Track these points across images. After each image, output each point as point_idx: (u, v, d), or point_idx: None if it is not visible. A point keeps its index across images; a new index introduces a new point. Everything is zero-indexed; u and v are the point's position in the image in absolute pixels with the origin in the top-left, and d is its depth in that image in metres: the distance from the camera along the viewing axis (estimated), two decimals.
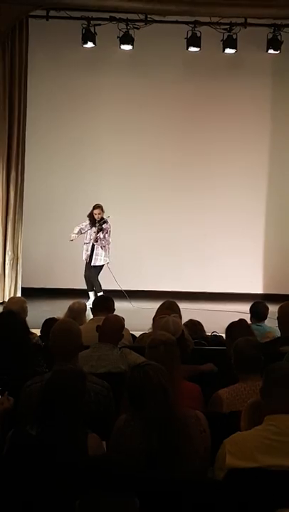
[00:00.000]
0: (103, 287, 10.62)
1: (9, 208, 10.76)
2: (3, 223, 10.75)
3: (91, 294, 10.65)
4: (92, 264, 10.59)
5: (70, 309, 6.45)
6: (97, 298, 6.45)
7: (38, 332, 6.02)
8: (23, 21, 10.54)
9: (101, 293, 10.29)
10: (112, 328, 4.67)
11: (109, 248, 10.65)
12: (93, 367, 4.30)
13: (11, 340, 4.17)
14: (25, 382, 3.67)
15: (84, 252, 10.63)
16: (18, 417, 3.38)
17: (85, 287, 10.74)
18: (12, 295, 10.39)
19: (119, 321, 4.80)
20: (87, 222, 10.62)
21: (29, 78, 10.78)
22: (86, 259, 10.62)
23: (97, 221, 10.54)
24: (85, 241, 10.63)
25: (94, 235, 10.52)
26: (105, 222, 10.59)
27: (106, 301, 6.06)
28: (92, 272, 10.63)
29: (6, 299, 9.99)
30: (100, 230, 10.53)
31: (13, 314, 4.60)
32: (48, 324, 5.51)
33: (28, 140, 10.91)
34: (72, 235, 10.55)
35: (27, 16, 10.57)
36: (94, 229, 10.55)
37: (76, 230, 10.59)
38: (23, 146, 10.83)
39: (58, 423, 2.89)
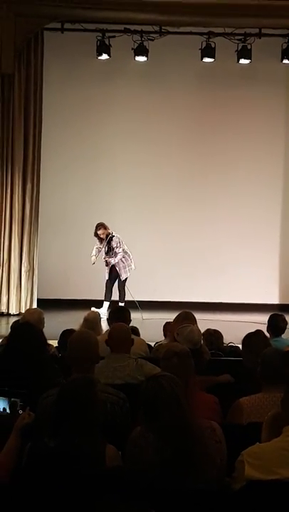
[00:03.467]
0: (114, 298, 10.73)
1: (25, 220, 10.82)
2: (19, 235, 10.81)
3: (106, 304, 10.67)
4: (121, 279, 10.69)
5: (86, 320, 6.44)
6: (114, 308, 6.44)
7: (54, 343, 6.03)
8: (38, 34, 10.65)
9: (122, 304, 10.40)
10: (121, 336, 4.64)
11: (126, 257, 10.70)
12: (110, 378, 4.29)
13: (28, 351, 4.17)
14: (42, 394, 3.68)
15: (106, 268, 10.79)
16: (36, 429, 3.39)
17: (100, 298, 10.76)
18: (28, 306, 10.44)
19: (126, 328, 4.79)
20: (98, 241, 10.75)
21: (44, 90, 10.87)
22: (108, 272, 10.75)
23: (104, 240, 10.64)
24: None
25: (106, 256, 10.66)
26: (111, 238, 10.63)
27: (123, 312, 6.04)
28: (120, 283, 10.75)
29: (23, 310, 10.06)
30: (110, 249, 10.61)
31: (29, 325, 4.60)
32: (66, 335, 5.51)
33: (43, 151, 10.98)
34: (93, 258, 10.69)
35: (42, 28, 10.67)
36: (105, 247, 10.67)
37: (94, 251, 10.73)
38: (39, 158, 10.90)
39: (74, 433, 2.89)
